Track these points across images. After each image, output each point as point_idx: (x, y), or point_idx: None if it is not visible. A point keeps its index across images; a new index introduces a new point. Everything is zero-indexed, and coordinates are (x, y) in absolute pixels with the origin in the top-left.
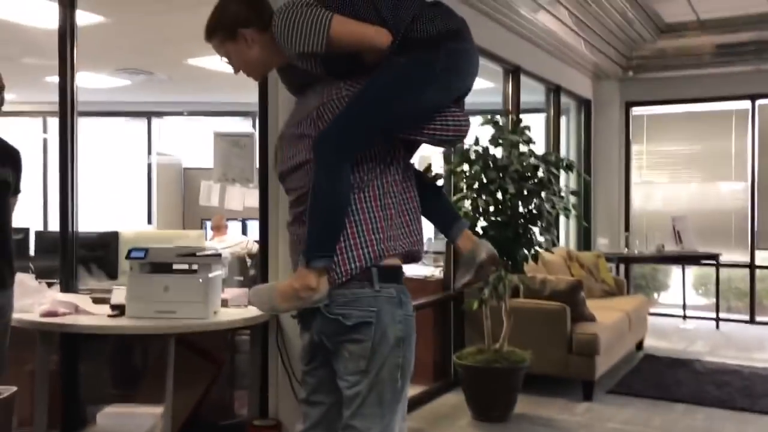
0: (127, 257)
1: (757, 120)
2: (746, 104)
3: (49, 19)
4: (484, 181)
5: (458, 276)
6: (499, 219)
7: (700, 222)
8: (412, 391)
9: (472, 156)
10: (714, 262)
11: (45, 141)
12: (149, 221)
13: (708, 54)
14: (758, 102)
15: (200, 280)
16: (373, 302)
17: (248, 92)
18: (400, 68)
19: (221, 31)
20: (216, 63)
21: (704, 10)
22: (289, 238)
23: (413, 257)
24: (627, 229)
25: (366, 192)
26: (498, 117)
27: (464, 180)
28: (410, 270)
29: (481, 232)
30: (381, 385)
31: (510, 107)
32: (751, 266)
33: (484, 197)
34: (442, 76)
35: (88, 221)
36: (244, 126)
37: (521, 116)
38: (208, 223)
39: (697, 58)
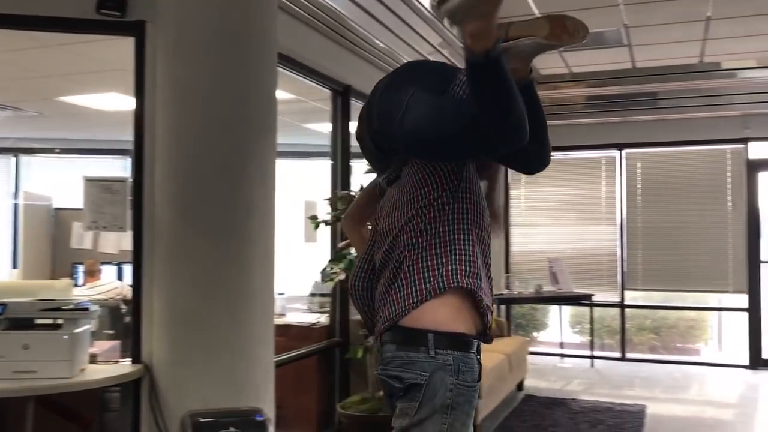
0: None
1: (624, 168)
2: (614, 153)
3: None
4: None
5: None
6: None
7: (574, 263)
8: None
9: None
10: (588, 301)
11: None
12: (14, 265)
13: (579, 105)
14: (625, 151)
15: (65, 337)
16: (426, 367)
17: (124, 130)
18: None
19: None
20: (88, 100)
21: (576, 64)
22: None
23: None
24: (507, 270)
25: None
26: None
27: None
28: (294, 317)
29: None
30: None
31: None
32: (621, 305)
33: None
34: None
35: None
36: (121, 165)
37: None
38: (81, 267)
39: (569, 108)
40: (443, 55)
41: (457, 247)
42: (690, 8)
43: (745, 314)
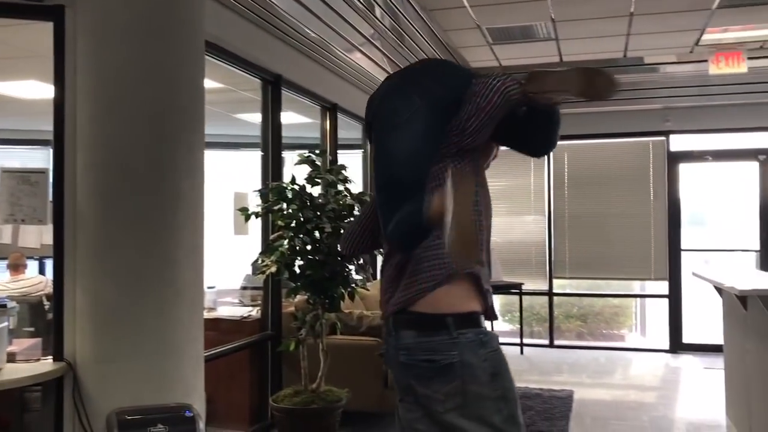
0: None
1: (552, 159)
2: None
3: None
4: (302, 219)
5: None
6: (316, 258)
7: (504, 253)
8: None
9: (289, 195)
10: (518, 290)
11: None
12: None
13: None
14: None
15: None
16: (453, 347)
17: (43, 120)
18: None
19: None
20: (5, 88)
21: (505, 58)
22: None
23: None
24: None
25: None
26: (314, 156)
27: (281, 219)
28: (225, 311)
29: (298, 271)
30: (486, 417)
31: (328, 144)
32: (550, 294)
33: (301, 236)
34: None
35: None
36: (41, 156)
37: (340, 153)
38: (1, 262)
39: None
40: (376, 46)
41: None
42: (614, 4)
43: (666, 300)
